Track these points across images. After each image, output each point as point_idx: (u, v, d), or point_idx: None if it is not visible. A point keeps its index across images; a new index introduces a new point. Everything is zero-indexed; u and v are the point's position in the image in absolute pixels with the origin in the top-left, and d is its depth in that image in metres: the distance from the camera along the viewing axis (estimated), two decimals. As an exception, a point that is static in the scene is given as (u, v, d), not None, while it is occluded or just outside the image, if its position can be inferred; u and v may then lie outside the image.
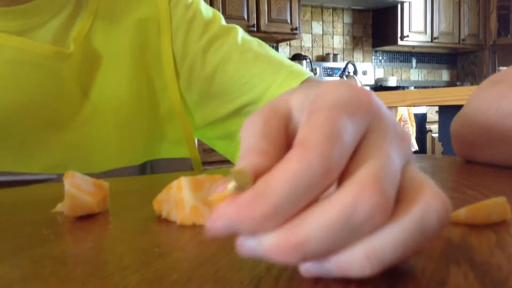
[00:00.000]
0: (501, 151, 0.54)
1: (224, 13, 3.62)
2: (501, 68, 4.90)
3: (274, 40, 4.16)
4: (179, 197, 0.31)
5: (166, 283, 0.20)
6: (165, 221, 0.32)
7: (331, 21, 4.65)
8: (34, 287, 0.20)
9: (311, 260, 0.19)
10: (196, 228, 0.30)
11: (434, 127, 3.96)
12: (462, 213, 0.29)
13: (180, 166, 0.72)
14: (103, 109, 0.65)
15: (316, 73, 4.33)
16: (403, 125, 3.49)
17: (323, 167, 0.18)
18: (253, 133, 0.22)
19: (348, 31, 4.75)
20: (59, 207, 0.36)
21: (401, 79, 5.07)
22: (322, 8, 4.57)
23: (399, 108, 3.34)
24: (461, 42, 4.93)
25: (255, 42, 0.70)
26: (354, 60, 4.72)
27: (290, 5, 3.93)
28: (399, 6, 4.57)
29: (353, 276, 0.19)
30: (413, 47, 4.90)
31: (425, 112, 4.02)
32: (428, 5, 4.72)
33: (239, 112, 0.69)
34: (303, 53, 4.42)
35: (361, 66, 4.67)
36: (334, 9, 4.64)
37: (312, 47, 4.55)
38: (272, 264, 0.22)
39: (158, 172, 0.71)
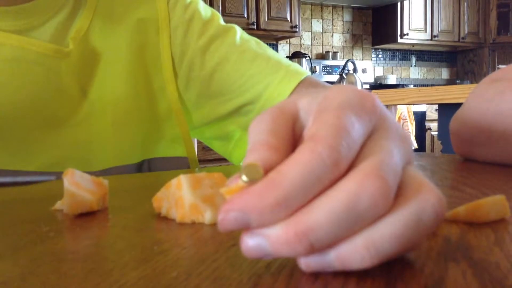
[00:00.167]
0: (500, 149, 0.55)
1: (223, 10, 3.61)
2: (500, 66, 4.91)
3: (273, 38, 4.16)
4: (179, 195, 0.31)
5: (165, 280, 0.20)
6: (164, 219, 0.32)
7: (331, 19, 4.64)
8: (34, 284, 0.20)
9: (316, 251, 0.19)
10: (196, 226, 0.30)
11: (434, 125, 3.96)
12: (461, 211, 0.29)
13: (177, 165, 0.72)
14: (101, 107, 0.65)
15: (316, 71, 4.33)
16: (403, 123, 3.50)
17: (332, 158, 0.19)
18: (262, 129, 0.23)
19: (348, 29, 4.74)
20: (59, 204, 0.36)
21: (400, 77, 5.07)
22: (321, 6, 4.57)
23: (399, 106, 3.34)
24: (460, 40, 4.93)
25: (253, 42, 0.71)
26: (353, 58, 4.72)
27: (289, 3, 3.93)
28: (399, 4, 4.57)
29: (354, 268, 0.19)
30: (413, 45, 4.89)
31: (424, 110, 4.02)
32: (428, 3, 4.72)
33: (237, 111, 0.69)
34: (302, 51, 4.42)
35: (360, 64, 4.67)
36: (334, 7, 4.64)
37: (311, 45, 4.54)
38: (271, 262, 0.22)
39: (155, 170, 0.71)
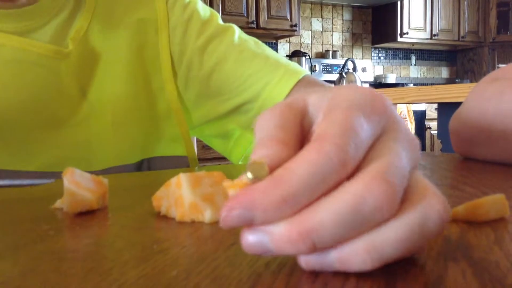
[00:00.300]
0: (500, 148, 0.55)
1: (223, 9, 3.61)
2: (500, 65, 4.91)
3: (273, 37, 4.15)
4: (178, 194, 0.31)
5: (165, 279, 0.20)
6: (164, 218, 0.32)
7: (331, 18, 4.64)
8: (33, 283, 0.20)
9: (318, 250, 0.19)
10: (195, 225, 0.30)
11: (433, 124, 3.96)
12: (461, 210, 0.29)
13: (177, 164, 0.72)
14: (100, 107, 0.65)
15: (316, 70, 4.33)
16: (402, 122, 3.49)
17: (339, 158, 0.19)
18: (270, 123, 0.23)
19: (348, 28, 4.74)
20: (58, 203, 0.36)
21: (400, 76, 5.06)
22: (321, 4, 4.57)
23: (398, 105, 3.34)
24: (460, 39, 4.93)
25: (251, 41, 0.71)
26: (353, 57, 4.72)
27: (289, 1, 3.93)
28: (398, 3, 4.57)
29: (354, 270, 0.19)
30: (413, 44, 4.89)
31: (424, 109, 4.01)
32: (427, 2, 4.71)
33: (236, 110, 0.70)
34: (302, 50, 4.42)
35: (360, 63, 4.66)
36: (333, 5, 4.64)
37: (311, 43, 4.54)
38: (271, 260, 0.22)
39: (154, 170, 0.71)
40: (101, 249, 0.26)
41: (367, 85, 4.39)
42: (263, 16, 3.81)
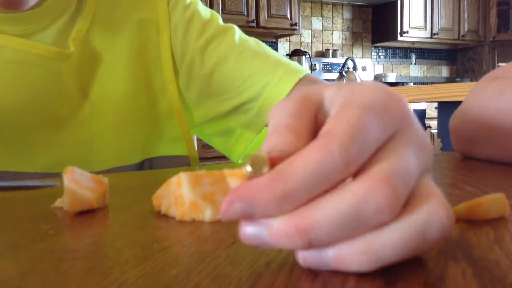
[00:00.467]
0: (500, 147, 0.55)
1: (223, 8, 3.61)
2: (500, 64, 4.90)
3: (273, 36, 4.15)
4: (178, 193, 0.31)
5: (165, 278, 0.20)
6: (164, 217, 0.32)
7: (331, 17, 4.64)
8: (34, 282, 0.20)
9: (314, 247, 0.19)
10: (195, 224, 0.30)
11: (433, 123, 3.96)
12: (461, 209, 0.29)
13: (178, 164, 0.73)
14: (102, 108, 0.65)
15: (316, 69, 4.33)
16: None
17: (343, 158, 0.19)
18: (285, 112, 0.22)
19: (348, 27, 4.74)
20: (59, 202, 0.36)
21: (400, 75, 5.06)
22: (321, 3, 4.56)
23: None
24: (460, 38, 4.93)
25: (252, 41, 0.71)
26: (353, 56, 4.71)
27: (289, 0, 3.92)
28: (398, 1, 4.56)
29: (350, 271, 0.19)
30: (413, 43, 4.89)
31: (424, 108, 4.01)
32: (428, 1, 4.71)
33: (237, 110, 0.70)
34: (302, 49, 4.41)
35: (360, 62, 4.66)
36: (333, 4, 4.63)
37: (311, 42, 4.54)
38: (271, 260, 0.22)
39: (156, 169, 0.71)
40: (101, 248, 0.26)
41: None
42: (263, 15, 3.81)
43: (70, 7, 0.64)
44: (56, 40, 0.63)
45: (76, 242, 0.27)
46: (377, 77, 4.75)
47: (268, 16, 3.84)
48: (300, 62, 4.10)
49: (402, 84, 4.58)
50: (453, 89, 1.51)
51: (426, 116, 4.06)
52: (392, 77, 4.73)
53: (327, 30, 4.63)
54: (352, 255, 0.19)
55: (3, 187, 0.45)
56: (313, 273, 0.20)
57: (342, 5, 4.68)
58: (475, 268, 0.21)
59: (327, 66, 4.43)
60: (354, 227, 0.19)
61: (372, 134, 0.20)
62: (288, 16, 3.93)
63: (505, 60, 5.08)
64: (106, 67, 0.66)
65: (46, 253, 0.25)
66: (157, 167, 0.71)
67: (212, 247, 0.25)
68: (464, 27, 4.93)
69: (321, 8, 4.58)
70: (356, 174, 0.20)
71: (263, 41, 0.73)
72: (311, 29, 4.54)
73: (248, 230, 0.20)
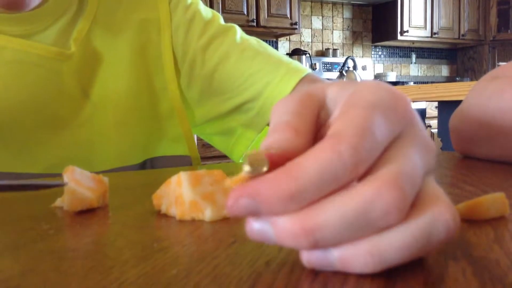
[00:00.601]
0: (500, 146, 0.55)
1: (223, 8, 3.60)
2: (500, 63, 4.90)
3: (273, 35, 4.15)
4: (178, 192, 0.31)
5: (165, 278, 0.20)
6: (164, 216, 0.32)
7: (331, 16, 4.64)
8: (34, 282, 0.20)
9: (320, 247, 0.19)
10: (195, 223, 0.30)
11: (433, 123, 3.96)
12: (461, 208, 0.29)
13: (179, 164, 0.73)
14: (103, 108, 0.65)
15: (316, 68, 4.33)
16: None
17: (353, 160, 0.19)
18: (287, 110, 0.22)
19: (348, 26, 4.74)
20: (59, 201, 0.36)
21: (400, 75, 5.06)
22: (321, 3, 4.56)
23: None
24: (460, 37, 4.92)
25: (253, 40, 0.71)
26: (353, 55, 4.71)
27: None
28: (399, 1, 4.56)
29: (355, 272, 0.19)
30: (413, 42, 4.89)
31: (424, 107, 4.01)
32: (428, 0, 4.71)
33: (238, 109, 0.70)
34: (302, 48, 4.41)
35: (360, 61, 4.66)
36: (333, 3, 4.63)
37: (311, 42, 4.54)
38: (271, 259, 0.22)
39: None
40: (102, 248, 0.26)
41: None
42: (263, 14, 3.81)
43: (71, 8, 0.64)
44: (57, 40, 0.63)
45: (76, 241, 0.27)
46: (377, 76, 4.75)
47: (268, 16, 3.84)
48: (300, 61, 4.10)
49: (402, 83, 4.58)
50: (453, 88, 1.51)
51: (426, 116, 4.06)
52: (392, 77, 4.73)
53: (327, 29, 4.62)
54: (358, 256, 0.19)
55: (12, 186, 0.45)
56: (313, 272, 0.20)
57: (342, 4, 4.68)
58: (475, 268, 0.21)
59: (327, 65, 4.43)
60: (361, 228, 0.19)
61: (380, 134, 0.20)
62: (288, 16, 3.93)
63: (505, 59, 5.07)
64: (107, 67, 0.66)
65: (46, 252, 0.25)
66: (158, 167, 0.71)
67: (212, 246, 0.25)
68: (464, 27, 4.93)
69: (321, 7, 4.58)
70: (363, 175, 0.20)
71: (263, 41, 0.73)
72: (311, 28, 4.53)
73: (255, 226, 0.20)
